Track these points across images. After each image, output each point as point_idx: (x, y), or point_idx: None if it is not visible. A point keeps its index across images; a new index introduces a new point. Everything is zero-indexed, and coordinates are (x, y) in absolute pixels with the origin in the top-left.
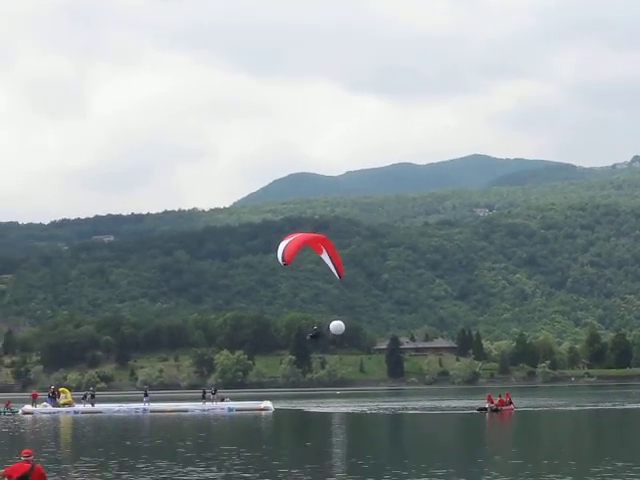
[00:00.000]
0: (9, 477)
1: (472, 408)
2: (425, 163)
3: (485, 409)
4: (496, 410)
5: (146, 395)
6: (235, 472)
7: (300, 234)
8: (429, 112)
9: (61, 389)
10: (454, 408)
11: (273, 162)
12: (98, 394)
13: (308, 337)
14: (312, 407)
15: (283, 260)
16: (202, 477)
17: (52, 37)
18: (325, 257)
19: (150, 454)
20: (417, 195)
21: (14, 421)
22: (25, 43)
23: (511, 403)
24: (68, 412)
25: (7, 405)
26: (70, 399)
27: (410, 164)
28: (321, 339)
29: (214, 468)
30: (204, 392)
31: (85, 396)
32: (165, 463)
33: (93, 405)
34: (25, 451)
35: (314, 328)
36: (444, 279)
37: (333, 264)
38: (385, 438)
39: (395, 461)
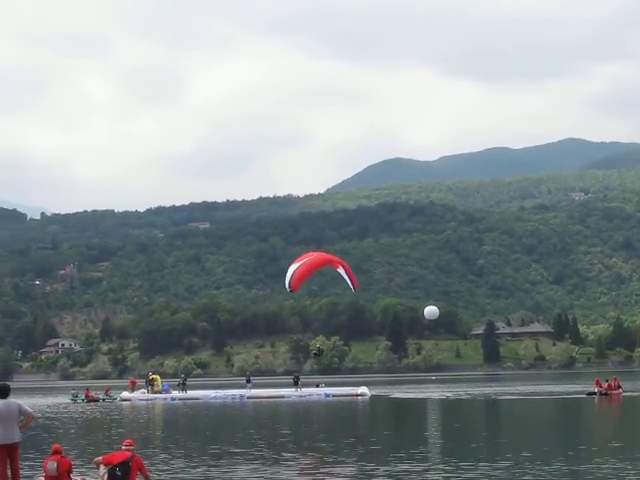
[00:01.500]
0: (107, 463)
1: (573, 393)
2: (520, 147)
3: (594, 393)
4: (605, 394)
5: (249, 381)
6: (331, 457)
7: (314, 255)
8: (524, 95)
9: (152, 376)
10: (556, 393)
11: (367, 148)
12: (194, 381)
13: (312, 355)
14: (408, 393)
15: (289, 287)
16: (303, 461)
17: (148, 25)
18: (341, 271)
19: (249, 440)
20: (512, 179)
21: (113, 408)
22: (122, 31)
23: (619, 387)
24: (165, 399)
25: (106, 392)
26: (160, 387)
27: (505, 148)
28: (322, 357)
29: (312, 453)
30: (296, 378)
31: (179, 383)
32: (264, 448)
33: (185, 392)
34: (127, 441)
35: (318, 347)
36: (540, 263)
37: (348, 277)
38: (505, 422)
39: (511, 444)
